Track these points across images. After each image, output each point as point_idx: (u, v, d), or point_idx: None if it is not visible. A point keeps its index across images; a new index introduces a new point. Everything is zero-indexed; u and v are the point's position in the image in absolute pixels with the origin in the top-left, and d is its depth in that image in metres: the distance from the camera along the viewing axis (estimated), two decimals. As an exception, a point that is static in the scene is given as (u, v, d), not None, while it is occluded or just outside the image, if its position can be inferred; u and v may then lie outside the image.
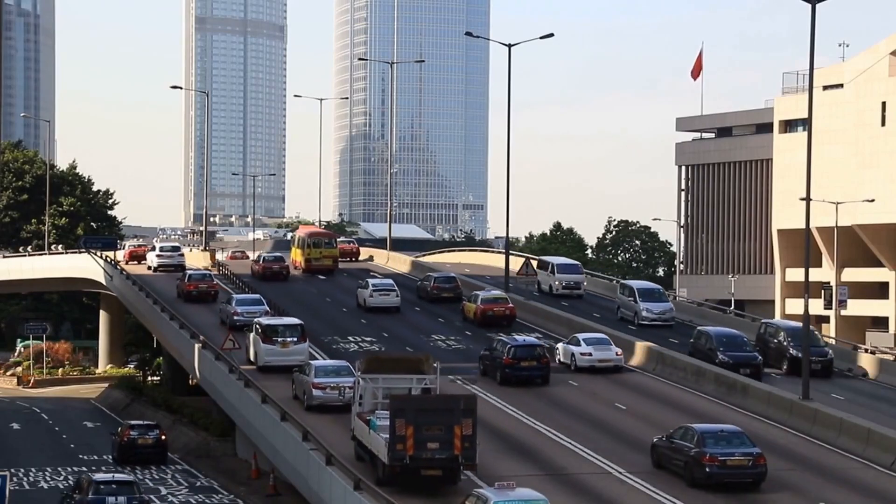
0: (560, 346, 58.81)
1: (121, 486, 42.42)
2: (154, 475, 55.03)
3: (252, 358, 56.07)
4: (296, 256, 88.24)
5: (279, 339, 54.91)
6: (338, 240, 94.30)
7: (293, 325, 56.25)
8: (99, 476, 43.88)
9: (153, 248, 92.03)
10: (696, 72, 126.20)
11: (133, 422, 61.13)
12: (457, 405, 36.59)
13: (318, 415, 46.14)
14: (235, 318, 63.87)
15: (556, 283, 78.67)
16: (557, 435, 44.19)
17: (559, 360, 57.57)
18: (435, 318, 70.89)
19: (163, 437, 58.90)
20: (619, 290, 74.36)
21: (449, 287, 75.72)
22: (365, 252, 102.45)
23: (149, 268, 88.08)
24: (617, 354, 57.51)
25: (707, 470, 37.67)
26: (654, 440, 41.01)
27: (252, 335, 56.69)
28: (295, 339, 55.05)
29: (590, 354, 57.13)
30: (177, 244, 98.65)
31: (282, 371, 52.81)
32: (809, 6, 48.02)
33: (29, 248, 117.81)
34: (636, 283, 75.03)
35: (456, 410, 36.33)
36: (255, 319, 58.81)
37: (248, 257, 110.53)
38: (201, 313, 69.81)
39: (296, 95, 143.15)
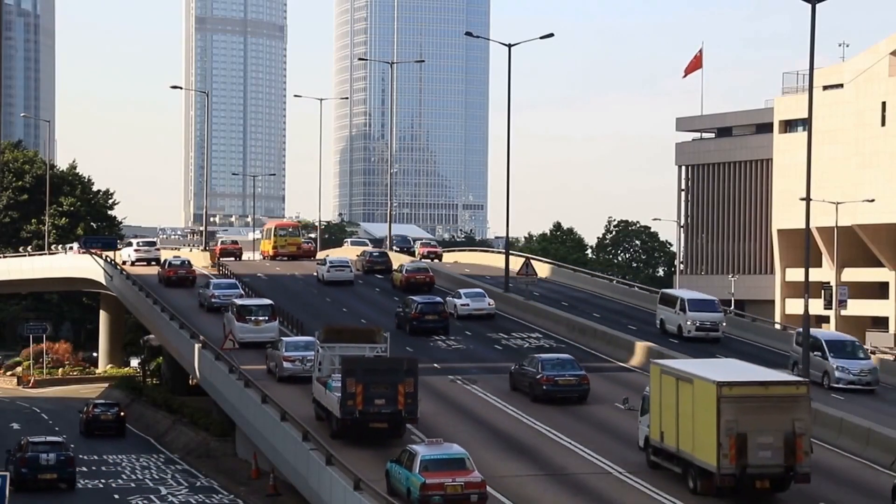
0: (447, 299, 69.77)
1: (52, 445, 51.86)
2: (154, 475, 55.09)
3: (226, 334, 60.38)
4: (265, 247, 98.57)
5: (252, 318, 60.30)
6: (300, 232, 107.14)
7: (265, 304, 62.32)
8: (34, 438, 53.32)
9: (129, 244, 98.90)
10: (690, 69, 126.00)
11: (96, 400, 71.10)
12: (401, 366, 42.44)
13: (287, 385, 50.87)
14: (213, 300, 69.73)
15: (689, 322, 65.06)
16: (557, 435, 44.23)
17: (449, 311, 67.53)
18: (373, 287, 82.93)
19: (121, 414, 68.13)
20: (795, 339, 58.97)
21: (381, 261, 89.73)
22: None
23: (123, 262, 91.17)
24: (490, 305, 70.55)
25: (544, 388, 49.53)
26: (511, 368, 52.53)
27: (228, 314, 61.74)
28: (266, 317, 60.57)
29: (468, 305, 70.09)
30: (153, 240, 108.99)
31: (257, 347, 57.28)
32: (809, 6, 48.06)
33: (29, 248, 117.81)
34: (823, 335, 60.32)
35: (400, 371, 42.01)
36: (231, 300, 64.55)
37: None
38: (182, 296, 75.21)
39: (296, 95, 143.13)
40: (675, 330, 65.26)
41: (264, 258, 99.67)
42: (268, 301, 63.68)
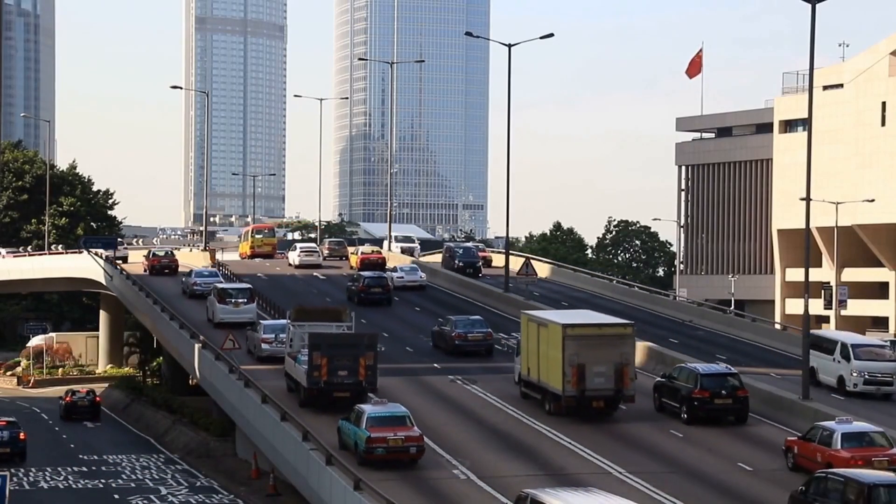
0: (386, 274, 78.66)
1: (6, 425, 57.87)
2: (154, 475, 55.09)
3: (210, 317, 66.42)
4: (243, 249, 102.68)
5: (232, 301, 65.77)
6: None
7: (244, 288, 68.09)
8: None
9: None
10: (693, 70, 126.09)
11: (74, 388, 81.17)
12: (362, 341, 47.19)
13: (265, 364, 54.98)
14: (195, 287, 74.93)
15: (853, 374, 52.87)
16: (557, 435, 44.20)
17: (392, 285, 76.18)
18: (335, 268, 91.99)
19: (97, 400, 76.80)
20: None
21: (338, 249, 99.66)
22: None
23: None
24: (421, 277, 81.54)
25: (457, 343, 58.62)
26: (432, 329, 61.25)
27: (210, 298, 67.34)
28: (245, 300, 66.00)
29: (402, 277, 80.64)
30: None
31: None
32: (809, 6, 48.03)
33: (29, 248, 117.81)
34: (846, 337, 55.81)
35: (361, 345, 46.69)
36: (213, 286, 69.58)
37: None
38: (166, 284, 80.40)
39: (296, 95, 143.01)
40: (834, 382, 53.31)
41: (242, 258, 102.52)
42: (247, 285, 69.71)
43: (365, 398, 45.19)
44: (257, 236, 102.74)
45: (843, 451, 37.72)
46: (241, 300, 65.78)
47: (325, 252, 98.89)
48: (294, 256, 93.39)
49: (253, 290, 68.60)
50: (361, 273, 78.50)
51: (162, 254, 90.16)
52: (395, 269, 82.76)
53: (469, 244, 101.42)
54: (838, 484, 32.00)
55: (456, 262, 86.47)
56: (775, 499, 36.09)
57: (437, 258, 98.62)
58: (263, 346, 56.92)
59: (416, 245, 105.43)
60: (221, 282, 73.93)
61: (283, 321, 56.23)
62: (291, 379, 49.56)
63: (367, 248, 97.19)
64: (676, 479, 38.64)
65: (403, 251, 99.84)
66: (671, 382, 47.78)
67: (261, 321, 60.51)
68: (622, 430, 45.27)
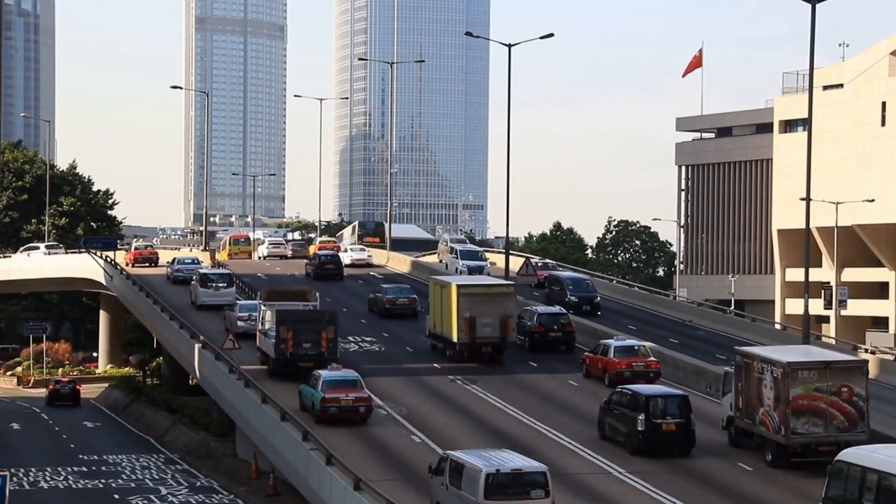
0: (341, 254, 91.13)
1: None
2: (154, 475, 55.08)
3: (193, 300, 72.08)
4: (223, 256, 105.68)
5: (212, 285, 71.57)
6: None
7: (224, 274, 74.50)
8: None
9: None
10: (690, 69, 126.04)
11: (56, 378, 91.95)
12: (323, 317, 52.55)
13: (241, 340, 57.92)
14: (177, 273, 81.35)
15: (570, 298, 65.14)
16: (557, 435, 44.21)
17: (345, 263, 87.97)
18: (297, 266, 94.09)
19: (77, 388, 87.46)
20: None
21: (300, 249, 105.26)
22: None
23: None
24: (368, 256, 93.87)
25: (387, 307, 69.12)
26: (368, 296, 72.05)
27: (193, 283, 73.32)
28: (224, 284, 71.84)
29: (351, 256, 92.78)
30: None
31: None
32: (809, 6, 48.05)
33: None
34: None
35: (323, 321, 51.99)
36: (196, 270, 76.46)
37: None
38: (148, 274, 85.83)
39: (296, 95, 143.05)
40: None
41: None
42: (226, 271, 77.03)
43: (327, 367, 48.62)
44: (234, 246, 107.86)
45: (614, 358, 52.44)
46: (220, 284, 71.61)
47: (289, 252, 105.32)
48: (262, 249, 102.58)
49: (232, 275, 75.02)
50: (317, 253, 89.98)
51: (143, 247, 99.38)
52: (345, 249, 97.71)
53: (580, 276, 79.76)
54: (628, 396, 42.24)
55: (568, 297, 70.64)
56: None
57: (432, 258, 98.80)
58: (239, 323, 62.11)
59: (368, 255, 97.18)
60: (202, 268, 79.90)
61: (256, 301, 61.98)
62: (262, 352, 54.62)
63: (324, 238, 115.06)
64: (679, 481, 38.64)
65: (354, 262, 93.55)
66: (520, 320, 59.44)
67: (237, 301, 66.53)
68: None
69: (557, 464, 40.56)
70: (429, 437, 41.51)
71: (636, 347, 53.78)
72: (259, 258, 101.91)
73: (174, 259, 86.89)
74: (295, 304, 56.40)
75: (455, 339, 55.47)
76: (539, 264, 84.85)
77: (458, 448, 36.80)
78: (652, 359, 52.77)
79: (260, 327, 56.18)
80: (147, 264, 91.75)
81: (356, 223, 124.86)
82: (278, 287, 65.63)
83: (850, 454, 30.41)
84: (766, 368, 40.11)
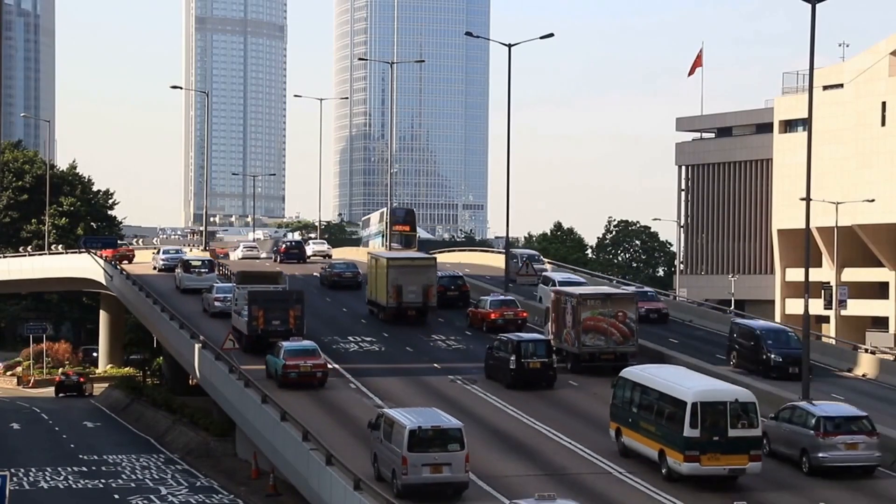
0: (306, 246, 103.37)
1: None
2: (154, 475, 55.06)
3: (178, 284, 78.54)
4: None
5: (195, 270, 78.43)
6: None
7: (205, 260, 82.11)
8: None
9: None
10: (694, 68, 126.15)
11: (66, 370, 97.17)
12: (291, 297, 58.11)
13: (216, 320, 65.49)
14: (162, 262, 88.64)
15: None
16: (557, 435, 44.21)
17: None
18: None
19: (80, 380, 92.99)
20: None
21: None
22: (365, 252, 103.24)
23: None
24: (327, 248, 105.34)
25: (335, 280, 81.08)
26: (319, 273, 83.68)
27: (177, 269, 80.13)
28: (206, 270, 78.20)
29: (313, 248, 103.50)
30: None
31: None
32: (809, 6, 48.01)
33: (29, 248, 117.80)
34: None
35: (291, 300, 57.40)
36: (179, 258, 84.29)
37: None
38: (148, 274, 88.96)
39: (296, 95, 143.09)
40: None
41: None
42: (207, 257, 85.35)
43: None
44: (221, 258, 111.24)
45: (490, 310, 64.64)
46: (202, 270, 78.09)
47: (263, 254, 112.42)
48: (238, 252, 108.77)
49: (213, 261, 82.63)
50: (284, 240, 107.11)
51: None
52: (307, 241, 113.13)
53: (777, 325, 62.80)
54: (503, 341, 52.56)
55: (770, 355, 54.91)
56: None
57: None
58: (216, 303, 68.50)
59: (328, 248, 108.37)
60: (185, 256, 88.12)
61: (231, 284, 68.47)
62: (236, 330, 58.66)
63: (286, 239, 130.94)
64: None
65: (315, 253, 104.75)
66: (476, 307, 67.29)
67: (213, 284, 72.49)
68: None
69: (557, 464, 40.61)
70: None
71: (507, 301, 65.55)
72: (235, 259, 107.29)
73: (159, 249, 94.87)
74: (265, 286, 62.86)
75: (385, 303, 65.49)
76: (619, 285, 76.72)
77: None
78: (520, 309, 64.84)
79: (234, 307, 61.87)
80: (125, 262, 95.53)
81: (384, 210, 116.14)
82: (251, 270, 72.32)
83: (626, 372, 41.90)
84: (567, 300, 54.48)
